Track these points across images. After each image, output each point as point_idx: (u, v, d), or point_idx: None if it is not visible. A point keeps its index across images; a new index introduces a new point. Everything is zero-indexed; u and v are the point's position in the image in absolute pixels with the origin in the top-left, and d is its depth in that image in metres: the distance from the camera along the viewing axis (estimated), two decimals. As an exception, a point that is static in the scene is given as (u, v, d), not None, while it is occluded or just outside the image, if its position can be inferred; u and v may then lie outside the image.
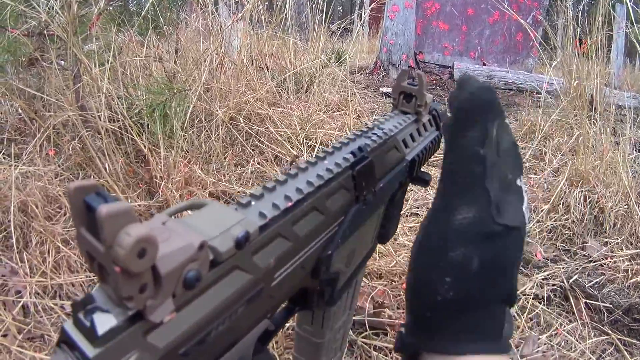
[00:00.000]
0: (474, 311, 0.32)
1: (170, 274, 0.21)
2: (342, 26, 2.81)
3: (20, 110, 1.81)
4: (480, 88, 0.33)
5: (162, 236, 0.21)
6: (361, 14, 4.33)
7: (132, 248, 0.18)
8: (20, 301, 1.06)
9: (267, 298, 0.30)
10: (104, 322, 0.20)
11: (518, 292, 1.37)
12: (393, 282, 1.24)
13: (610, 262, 1.54)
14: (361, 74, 4.13)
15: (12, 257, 1.20)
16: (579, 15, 2.73)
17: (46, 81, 1.65)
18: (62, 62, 1.53)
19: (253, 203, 0.29)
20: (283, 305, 0.41)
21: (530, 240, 1.68)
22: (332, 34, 3.03)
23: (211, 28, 2.19)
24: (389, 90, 3.69)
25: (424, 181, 0.53)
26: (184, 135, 1.59)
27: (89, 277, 1.17)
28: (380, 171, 0.42)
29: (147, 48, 1.85)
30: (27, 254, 1.21)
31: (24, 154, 1.55)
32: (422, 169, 0.54)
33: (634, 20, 2.13)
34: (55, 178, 1.45)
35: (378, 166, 0.41)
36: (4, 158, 1.63)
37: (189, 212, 0.28)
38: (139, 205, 1.37)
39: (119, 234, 0.18)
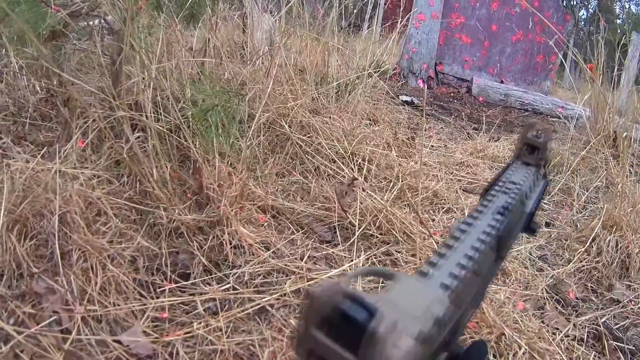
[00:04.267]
0: None
1: None
2: (354, 25, 2.70)
3: (45, 92, 1.65)
4: None
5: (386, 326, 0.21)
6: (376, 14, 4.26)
7: None
8: (68, 338, 0.92)
9: None
10: None
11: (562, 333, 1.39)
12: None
13: (634, 306, 1.57)
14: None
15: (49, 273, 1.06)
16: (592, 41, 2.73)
17: (86, 67, 1.49)
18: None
19: (433, 272, 0.30)
20: None
21: (566, 280, 1.69)
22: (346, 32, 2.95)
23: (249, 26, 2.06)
24: (409, 98, 3.62)
25: (533, 230, 0.53)
26: (232, 144, 1.46)
27: (142, 302, 1.04)
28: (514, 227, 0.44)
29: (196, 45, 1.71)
30: (64, 268, 1.07)
31: (56, 148, 1.38)
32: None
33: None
34: (92, 179, 1.30)
35: (513, 223, 0.42)
36: (27, 147, 1.48)
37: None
38: (189, 222, 1.24)
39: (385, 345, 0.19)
